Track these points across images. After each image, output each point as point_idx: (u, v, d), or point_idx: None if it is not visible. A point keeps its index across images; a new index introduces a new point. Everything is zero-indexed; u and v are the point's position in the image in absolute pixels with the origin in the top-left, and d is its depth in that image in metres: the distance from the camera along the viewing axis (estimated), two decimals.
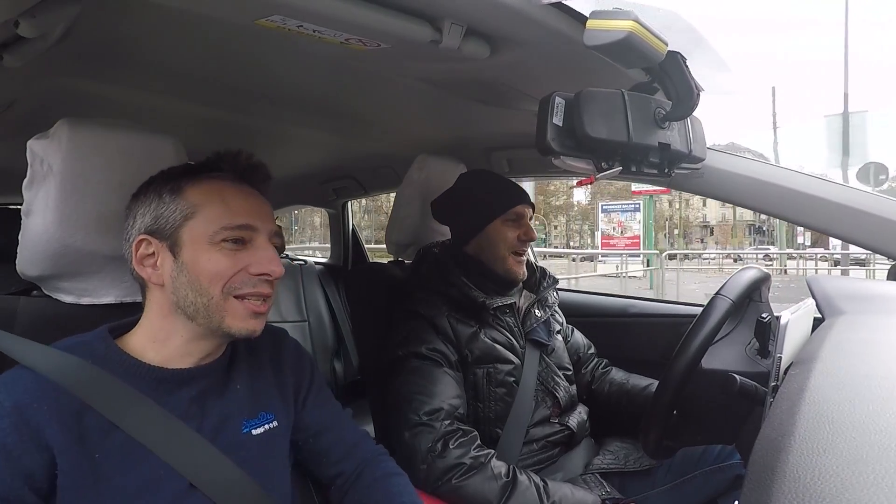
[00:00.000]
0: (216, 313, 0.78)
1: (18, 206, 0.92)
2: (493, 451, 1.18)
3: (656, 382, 1.46)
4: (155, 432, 0.74)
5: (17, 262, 0.91)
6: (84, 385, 0.72)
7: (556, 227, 40.17)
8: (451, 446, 1.14)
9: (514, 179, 1.56)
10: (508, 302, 1.37)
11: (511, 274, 1.39)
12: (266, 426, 0.86)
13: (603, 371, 1.60)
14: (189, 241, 0.78)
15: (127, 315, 0.86)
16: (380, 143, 1.80)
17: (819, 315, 0.94)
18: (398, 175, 1.72)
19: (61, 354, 0.74)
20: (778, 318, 0.87)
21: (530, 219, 1.44)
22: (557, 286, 1.54)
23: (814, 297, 0.94)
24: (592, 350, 1.64)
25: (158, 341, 0.80)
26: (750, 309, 1.13)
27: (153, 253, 0.80)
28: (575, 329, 1.64)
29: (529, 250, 1.48)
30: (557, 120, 0.89)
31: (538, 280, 1.49)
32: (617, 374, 1.58)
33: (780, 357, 0.81)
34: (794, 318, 0.87)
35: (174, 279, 0.78)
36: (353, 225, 2.79)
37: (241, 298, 0.78)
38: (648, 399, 1.39)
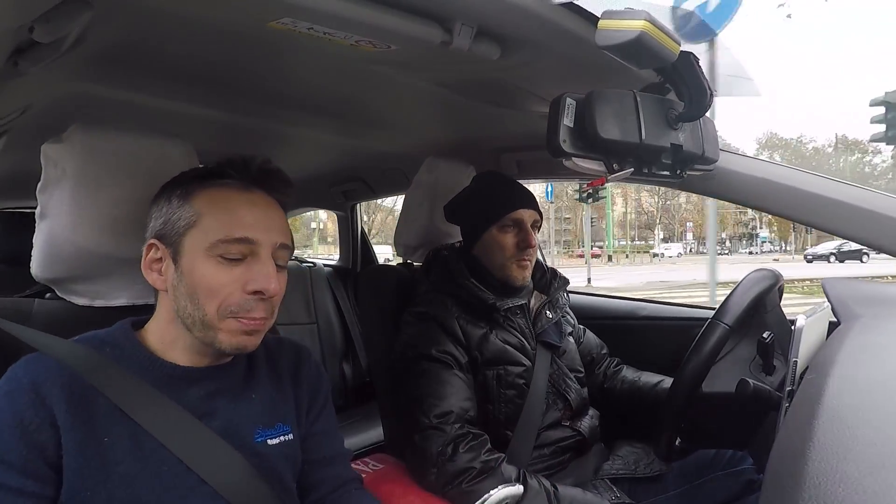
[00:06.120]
0: (211, 329, 0.76)
1: (33, 210, 0.92)
2: (503, 456, 1.17)
3: (668, 379, 1.44)
4: (166, 426, 0.74)
5: (31, 264, 0.91)
6: (96, 372, 0.73)
7: None
8: (461, 450, 1.13)
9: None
10: (519, 303, 1.36)
11: (510, 280, 1.36)
12: (282, 437, 0.85)
13: (615, 370, 1.59)
14: (189, 250, 0.76)
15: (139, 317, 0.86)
16: (389, 145, 1.81)
17: (835, 319, 0.93)
18: (407, 177, 1.72)
19: (76, 344, 0.76)
20: (793, 321, 0.86)
21: (535, 224, 1.39)
22: (568, 288, 1.53)
23: (829, 300, 0.93)
24: (605, 350, 1.62)
25: (166, 343, 0.80)
26: (755, 322, 1.10)
27: (160, 258, 0.79)
28: (587, 330, 1.62)
29: (539, 252, 1.46)
30: (568, 121, 0.89)
31: (549, 281, 1.48)
32: (628, 372, 1.56)
33: (796, 361, 0.80)
34: (809, 322, 0.86)
35: (175, 287, 0.77)
36: (361, 227, 2.80)
37: (236, 318, 0.76)
38: (660, 396, 1.38)
